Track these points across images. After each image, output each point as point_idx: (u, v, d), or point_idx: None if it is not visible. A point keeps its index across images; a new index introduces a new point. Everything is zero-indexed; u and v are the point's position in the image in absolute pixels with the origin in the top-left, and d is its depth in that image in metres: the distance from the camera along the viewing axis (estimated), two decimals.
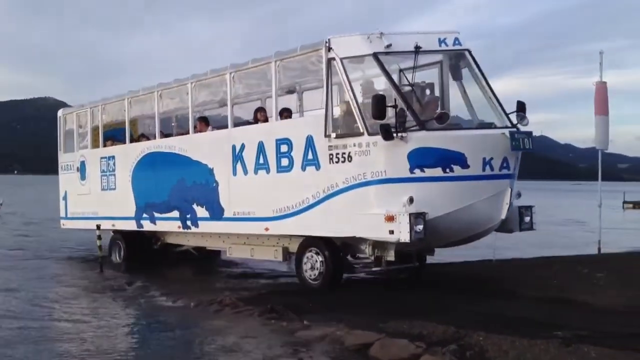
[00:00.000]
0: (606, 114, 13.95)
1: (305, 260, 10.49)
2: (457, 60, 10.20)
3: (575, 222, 29.84)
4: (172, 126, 15.37)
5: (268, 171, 10.95)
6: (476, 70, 10.00)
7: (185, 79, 12.94)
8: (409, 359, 6.65)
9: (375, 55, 9.58)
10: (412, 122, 9.20)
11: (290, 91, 12.83)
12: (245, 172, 11.39)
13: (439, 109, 10.07)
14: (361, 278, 11.42)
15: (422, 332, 7.23)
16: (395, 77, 9.86)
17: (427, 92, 10.24)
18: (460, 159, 9.08)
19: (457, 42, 9.89)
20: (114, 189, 14.78)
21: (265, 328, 8.34)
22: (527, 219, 10.05)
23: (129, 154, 14.35)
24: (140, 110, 14.71)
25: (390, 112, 9.09)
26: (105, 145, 15.36)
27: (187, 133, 13.41)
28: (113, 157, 14.86)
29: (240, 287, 11.68)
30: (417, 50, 9.49)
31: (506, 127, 9.49)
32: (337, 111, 10.14)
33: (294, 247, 11.06)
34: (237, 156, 11.54)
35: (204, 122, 13.01)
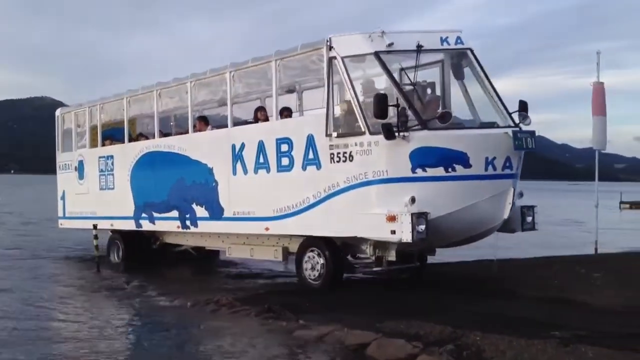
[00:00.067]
0: (604, 114, 13.92)
1: (305, 260, 10.43)
2: (459, 60, 10.13)
3: (573, 223, 29.84)
4: (171, 125, 15.31)
5: (268, 170, 10.88)
6: (478, 69, 9.94)
7: (185, 78, 12.86)
8: (406, 359, 6.63)
9: (376, 54, 9.52)
10: (414, 122, 9.14)
11: (290, 90, 12.77)
12: (245, 171, 11.32)
13: (440, 108, 10.02)
14: (360, 278, 11.39)
15: (419, 332, 7.22)
16: (396, 76, 9.78)
17: (428, 91, 10.20)
18: (462, 159, 9.02)
19: (459, 41, 9.84)
20: (113, 188, 14.70)
21: (262, 328, 8.30)
22: (529, 218, 10.01)
23: (127, 154, 14.27)
24: (139, 110, 14.64)
25: (391, 111, 9.03)
26: (103, 145, 15.28)
27: (186, 132, 13.34)
28: (111, 156, 14.78)
29: (238, 286, 11.64)
30: (419, 49, 9.43)
31: (509, 126, 9.44)
32: (338, 110, 10.07)
33: (294, 247, 10.99)
34: (237, 155, 11.47)
35: (203, 122, 12.93)
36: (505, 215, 9.25)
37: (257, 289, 11.31)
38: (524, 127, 9.55)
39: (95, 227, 14.49)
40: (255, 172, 11.13)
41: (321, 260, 10.15)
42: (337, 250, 10.20)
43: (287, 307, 8.88)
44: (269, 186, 10.90)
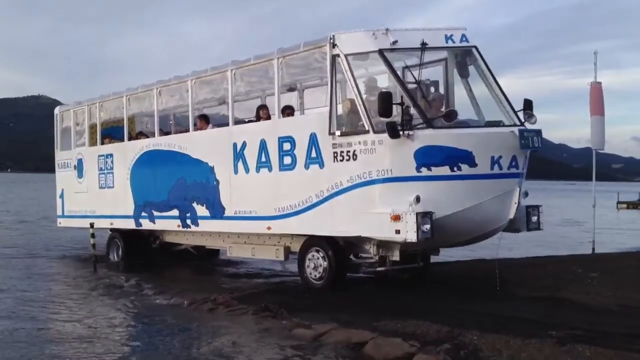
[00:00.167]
0: (602, 114, 13.93)
1: (308, 260, 10.33)
2: (463, 57, 10.04)
3: (573, 223, 29.84)
4: (170, 124, 15.23)
5: (270, 169, 10.79)
6: (484, 67, 9.86)
7: (185, 76, 12.76)
8: (402, 358, 6.62)
9: (380, 52, 9.43)
10: (419, 120, 9.06)
11: (291, 89, 12.67)
12: (247, 170, 11.22)
13: (444, 106, 9.94)
14: (359, 277, 11.29)
15: (416, 331, 7.20)
16: (399, 74, 9.72)
17: (432, 89, 10.12)
18: (468, 158, 8.93)
19: (464, 38, 9.76)
20: (112, 187, 14.60)
21: (258, 327, 8.26)
22: (535, 218, 9.93)
23: (127, 152, 14.17)
24: (138, 108, 14.51)
25: (395, 109, 8.95)
26: (102, 143, 15.17)
27: (186, 131, 13.26)
28: (111, 155, 14.67)
29: (236, 285, 11.58)
30: (424, 47, 9.35)
31: (514, 125, 9.36)
32: (341, 109, 9.97)
33: (295, 246, 10.90)
34: (239, 154, 11.38)
35: (204, 120, 12.85)
36: (511, 215, 9.16)
37: (254, 287, 11.24)
38: (530, 126, 9.47)
39: (92, 225, 14.40)
40: (257, 171, 11.03)
41: (324, 260, 10.07)
42: (340, 249, 10.10)
43: (284, 306, 8.86)
44: (271, 185, 10.80)
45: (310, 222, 10.13)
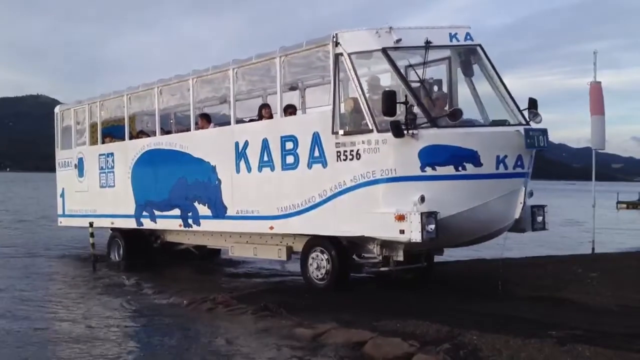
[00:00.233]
0: (602, 113, 13.87)
1: (311, 260, 10.26)
2: (468, 56, 9.97)
3: (573, 223, 29.81)
4: (170, 123, 15.17)
5: (273, 169, 10.71)
6: (488, 66, 9.79)
7: (187, 75, 12.69)
8: (402, 358, 6.60)
9: (384, 51, 9.35)
10: (423, 119, 8.98)
11: (293, 88, 12.60)
12: (249, 169, 11.15)
13: (447, 106, 9.87)
14: (360, 277, 11.21)
15: (416, 331, 7.18)
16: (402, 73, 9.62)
17: (435, 88, 10.04)
18: (473, 157, 8.86)
19: (468, 37, 9.69)
20: (113, 186, 14.52)
21: (258, 326, 8.23)
22: (540, 218, 9.87)
23: (128, 151, 14.09)
24: (139, 107, 14.45)
25: (399, 108, 8.87)
26: (103, 142, 15.09)
27: (187, 130, 13.20)
28: (112, 154, 14.59)
29: (235, 285, 11.54)
30: (428, 46, 9.28)
31: (520, 124, 9.28)
32: (344, 107, 9.89)
33: (298, 246, 10.84)
34: (241, 153, 11.30)
35: (205, 119, 12.78)
36: (517, 215, 9.10)
37: (253, 287, 11.20)
38: (535, 125, 9.39)
39: (91, 225, 14.33)
40: (260, 170, 10.96)
41: (327, 260, 9.99)
42: (343, 249, 10.03)
43: (284, 305, 8.84)
44: (273, 184, 10.73)
45: (313, 221, 10.06)
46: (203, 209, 12.10)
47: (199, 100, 12.94)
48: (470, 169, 8.88)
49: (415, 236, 8.69)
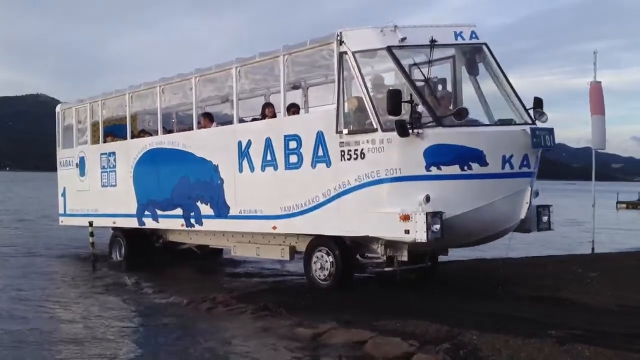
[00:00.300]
0: (602, 113, 13.87)
1: (314, 260, 10.19)
2: (473, 55, 9.90)
3: (573, 222, 29.80)
4: (172, 122, 15.11)
5: (276, 168, 10.65)
6: (494, 64, 9.73)
7: (189, 74, 12.63)
8: (402, 357, 6.59)
9: (389, 49, 9.29)
10: (428, 118, 8.91)
11: (295, 87, 12.51)
12: (252, 169, 11.09)
13: (452, 105, 9.81)
14: (360, 277, 11.14)
15: (415, 330, 7.18)
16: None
17: (439, 87, 9.96)
18: (478, 157, 8.79)
19: (473, 35, 9.62)
20: (115, 185, 14.46)
21: (257, 326, 8.21)
22: (545, 218, 9.80)
23: (130, 150, 14.03)
24: (141, 106, 14.39)
25: (404, 107, 8.80)
26: (105, 141, 15.03)
27: (189, 129, 13.13)
28: (113, 153, 14.53)
29: (235, 284, 11.52)
30: (433, 44, 9.19)
31: (526, 123, 9.21)
32: (348, 106, 9.82)
33: (301, 246, 10.78)
34: (244, 153, 11.24)
35: (208, 118, 12.70)
36: (522, 215, 9.03)
37: (253, 287, 11.19)
38: (541, 125, 9.32)
39: (91, 224, 14.28)
40: (263, 169, 10.89)
41: (330, 260, 9.93)
42: (347, 249, 9.96)
43: (284, 305, 8.83)
44: (276, 184, 10.66)
45: (317, 221, 10.00)
46: (205, 209, 12.04)
47: (201, 99, 12.87)
48: (475, 168, 8.82)
49: (421, 236, 8.62)
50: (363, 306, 8.80)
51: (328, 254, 9.97)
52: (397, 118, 8.73)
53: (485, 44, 9.74)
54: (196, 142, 12.40)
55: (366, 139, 9.28)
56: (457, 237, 9.10)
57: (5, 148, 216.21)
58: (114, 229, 14.83)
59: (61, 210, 16.43)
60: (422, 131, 8.79)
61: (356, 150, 9.39)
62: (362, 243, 9.96)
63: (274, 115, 11.33)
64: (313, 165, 10.03)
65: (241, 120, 12.00)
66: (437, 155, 8.83)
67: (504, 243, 9.97)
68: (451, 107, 9.69)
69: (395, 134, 8.82)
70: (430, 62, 9.21)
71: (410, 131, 8.73)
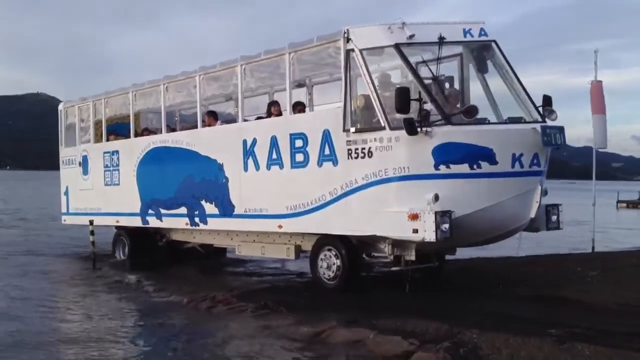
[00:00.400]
0: (603, 112, 13.82)
1: (320, 259, 10.11)
2: (482, 52, 9.79)
3: (573, 221, 29.80)
4: (175, 121, 15.01)
5: (282, 167, 10.56)
6: (503, 62, 9.61)
7: (193, 72, 12.52)
8: (402, 356, 6.59)
9: (397, 46, 9.19)
10: (437, 116, 8.82)
11: (300, 85, 12.44)
12: (257, 167, 11.00)
13: (459, 103, 9.71)
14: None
15: (416, 329, 7.18)
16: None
17: (447, 85, 9.86)
18: (488, 155, 8.70)
19: (482, 32, 9.52)
20: (118, 184, 14.37)
21: (257, 324, 8.20)
22: (554, 217, 9.72)
23: (133, 149, 13.93)
24: (144, 104, 14.31)
25: (412, 105, 8.70)
26: (108, 140, 14.94)
27: (192, 128, 13.06)
28: (117, 151, 14.44)
29: (237, 283, 11.48)
30: (442, 42, 9.09)
31: (536, 121, 9.10)
32: (355, 105, 9.73)
33: (306, 245, 10.70)
34: (249, 151, 11.14)
35: (212, 117, 12.62)
36: (532, 214, 8.94)
37: (253, 285, 11.18)
38: (550, 123, 9.22)
39: (91, 223, 14.21)
40: (268, 168, 10.80)
41: (337, 260, 9.83)
42: (354, 249, 9.87)
43: (284, 303, 8.83)
44: (282, 183, 10.57)
45: (323, 220, 9.91)
46: (210, 208, 11.94)
47: (205, 97, 12.78)
48: (485, 167, 8.73)
49: (430, 235, 8.53)
50: (363, 305, 8.79)
51: (334, 254, 9.87)
52: (405, 116, 8.64)
53: (495, 41, 9.64)
54: (201, 140, 12.30)
55: (374, 137, 9.19)
56: (466, 236, 8.99)
57: (5, 147, 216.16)
58: (117, 227, 14.74)
59: (64, 209, 16.32)
60: (431, 129, 8.70)
61: (363, 148, 9.31)
62: (369, 242, 9.87)
63: (279, 114, 11.25)
64: (319, 164, 9.93)
65: (244, 120, 11.90)
66: (446, 154, 8.74)
67: (511, 243, 9.91)
68: (458, 106, 9.60)
69: (403, 132, 8.72)
70: (439, 60, 9.11)
71: (418, 129, 8.63)
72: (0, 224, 25.68)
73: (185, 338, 7.81)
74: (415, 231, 8.68)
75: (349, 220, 9.54)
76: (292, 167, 10.39)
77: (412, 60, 9.53)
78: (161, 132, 13.55)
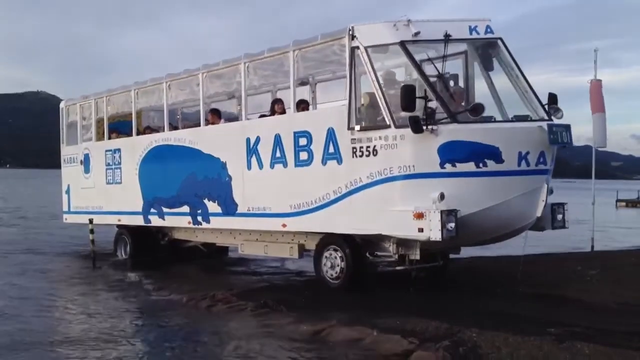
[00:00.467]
0: (603, 111, 13.79)
1: (324, 258, 10.04)
2: (488, 50, 9.72)
3: (573, 220, 29.76)
4: (177, 119, 14.94)
5: (285, 165, 10.49)
6: (509, 59, 9.54)
7: (196, 70, 12.45)
8: (402, 354, 6.60)
9: (402, 44, 9.12)
10: (442, 114, 8.76)
11: (303, 83, 12.37)
12: (261, 166, 10.93)
13: (464, 101, 9.65)
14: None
15: (415, 328, 7.17)
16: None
17: (451, 83, 9.80)
18: (494, 154, 8.63)
19: (489, 30, 9.44)
20: (120, 182, 14.30)
21: (257, 323, 8.19)
22: (560, 216, 9.65)
23: (135, 147, 13.86)
24: (147, 102, 14.23)
25: (417, 103, 8.64)
26: (110, 138, 14.87)
27: (193, 126, 12.99)
28: (119, 149, 14.37)
29: (236, 282, 11.45)
30: (447, 39, 9.03)
31: (542, 119, 9.04)
32: (360, 102, 9.66)
33: (310, 244, 10.65)
34: (252, 149, 11.08)
35: (216, 115, 12.54)
36: (539, 213, 8.86)
37: (253, 284, 11.16)
38: (556, 121, 9.16)
39: (91, 221, 14.14)
40: (272, 166, 10.74)
41: (341, 259, 9.78)
42: (358, 248, 9.81)
43: (283, 302, 8.82)
44: (286, 181, 10.51)
45: (327, 219, 9.85)
46: (213, 206, 11.88)
47: (208, 95, 12.72)
48: (491, 165, 8.66)
49: (435, 235, 8.47)
50: (363, 304, 8.77)
51: (338, 253, 9.82)
52: (410, 114, 8.57)
53: (501, 39, 9.56)
54: (204, 138, 12.23)
55: (378, 135, 9.13)
56: (472, 235, 8.94)
57: (5, 145, 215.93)
58: (119, 226, 14.68)
59: (65, 208, 16.26)
60: (437, 127, 8.63)
61: (368, 147, 9.24)
62: (373, 241, 9.81)
63: (283, 112, 11.18)
64: (324, 162, 9.87)
65: (247, 118, 11.85)
66: (451, 152, 8.68)
67: (515, 242, 9.86)
68: (463, 104, 9.54)
69: (408, 130, 8.65)
70: (444, 57, 9.06)
71: (424, 127, 8.57)
72: (1, 221, 25.58)
73: (184, 337, 7.78)
74: (421, 230, 8.62)
75: (354, 219, 9.48)
76: (296, 165, 10.33)
77: (417, 58, 9.47)
78: (163, 130, 13.49)
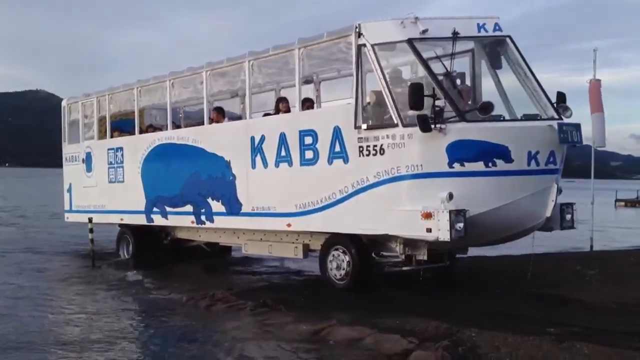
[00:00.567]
0: (601, 111, 13.74)
1: (330, 259, 9.94)
2: (496, 48, 9.60)
3: (576, 221, 29.74)
4: (180, 118, 14.82)
5: (290, 164, 10.38)
6: (518, 58, 9.41)
7: (200, 68, 12.33)
8: (401, 354, 6.60)
9: (410, 42, 9.01)
10: (450, 113, 8.65)
11: (308, 81, 12.26)
12: (265, 165, 10.82)
13: (471, 99, 9.55)
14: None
15: (415, 327, 7.18)
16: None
17: (458, 81, 9.70)
18: (503, 153, 8.52)
19: (497, 27, 9.32)
20: (122, 181, 14.18)
21: (256, 322, 8.17)
22: (569, 217, 9.54)
23: (138, 145, 13.74)
24: (149, 100, 14.11)
25: (426, 101, 8.53)
26: (112, 136, 14.76)
27: (196, 124, 12.90)
28: (121, 148, 14.25)
29: (236, 281, 11.43)
30: (455, 37, 8.91)
31: (552, 118, 8.92)
32: (367, 101, 9.55)
33: (315, 244, 10.56)
34: (257, 148, 10.97)
35: (220, 113, 12.43)
36: (548, 214, 8.76)
37: (253, 283, 11.14)
38: (566, 120, 9.05)
39: (90, 220, 14.04)
40: (277, 165, 10.62)
41: (347, 259, 9.68)
42: (364, 248, 9.70)
43: (283, 301, 8.80)
44: (291, 180, 10.40)
45: (333, 219, 9.74)
46: (217, 206, 11.77)
47: (211, 93, 12.60)
48: (500, 165, 8.55)
49: (444, 235, 8.36)
50: (362, 303, 8.74)
51: (344, 253, 9.72)
52: (418, 112, 8.47)
53: (509, 37, 9.44)
54: (207, 137, 12.11)
55: (386, 134, 9.03)
56: (480, 235, 8.82)
57: (4, 144, 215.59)
58: (122, 226, 14.56)
59: (67, 207, 16.13)
60: (445, 126, 8.53)
61: (375, 146, 9.14)
62: (380, 241, 9.70)
63: (288, 110, 11.08)
64: (330, 162, 9.76)
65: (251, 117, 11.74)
66: (460, 151, 8.57)
67: (523, 242, 9.77)
68: (470, 102, 9.44)
69: (416, 129, 8.55)
70: (452, 55, 8.95)
71: (432, 126, 8.46)
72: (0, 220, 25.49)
73: (184, 336, 7.74)
74: (429, 230, 8.52)
75: (360, 218, 9.37)
76: (301, 164, 10.22)
77: (424, 55, 9.37)
78: (166, 129, 13.37)
